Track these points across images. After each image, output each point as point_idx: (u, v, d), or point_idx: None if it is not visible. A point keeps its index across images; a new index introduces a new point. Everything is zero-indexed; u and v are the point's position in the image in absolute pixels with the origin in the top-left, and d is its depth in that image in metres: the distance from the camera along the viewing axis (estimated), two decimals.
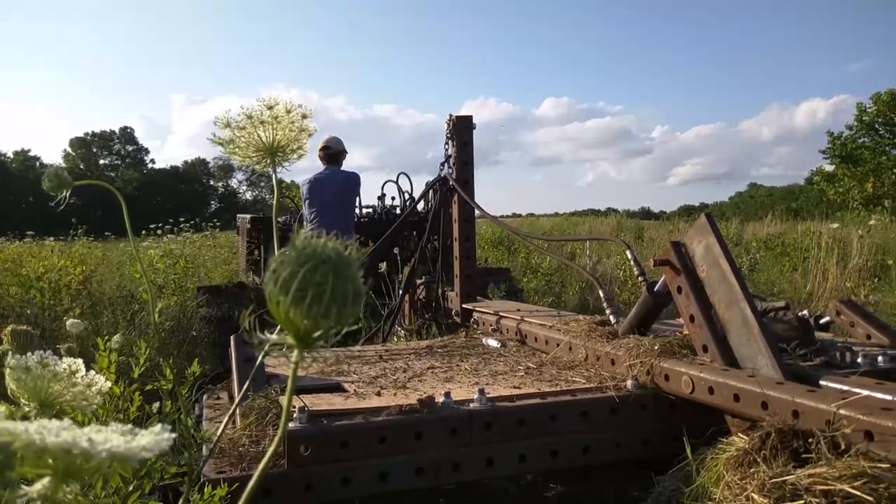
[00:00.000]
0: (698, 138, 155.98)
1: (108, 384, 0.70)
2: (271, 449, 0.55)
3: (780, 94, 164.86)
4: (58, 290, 3.90)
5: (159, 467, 1.14)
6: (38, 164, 58.15)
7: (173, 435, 0.42)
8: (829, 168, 29.31)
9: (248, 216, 6.14)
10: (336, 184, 4.94)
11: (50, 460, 0.40)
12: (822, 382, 1.44)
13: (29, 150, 60.33)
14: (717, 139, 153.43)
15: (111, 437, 0.39)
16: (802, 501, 1.15)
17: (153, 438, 0.40)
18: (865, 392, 1.32)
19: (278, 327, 0.47)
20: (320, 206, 4.90)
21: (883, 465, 1.12)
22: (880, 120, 28.26)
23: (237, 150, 0.93)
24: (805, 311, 2.43)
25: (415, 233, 5.05)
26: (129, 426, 0.41)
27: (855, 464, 1.15)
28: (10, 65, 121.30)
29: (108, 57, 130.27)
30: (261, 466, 0.52)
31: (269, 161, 0.94)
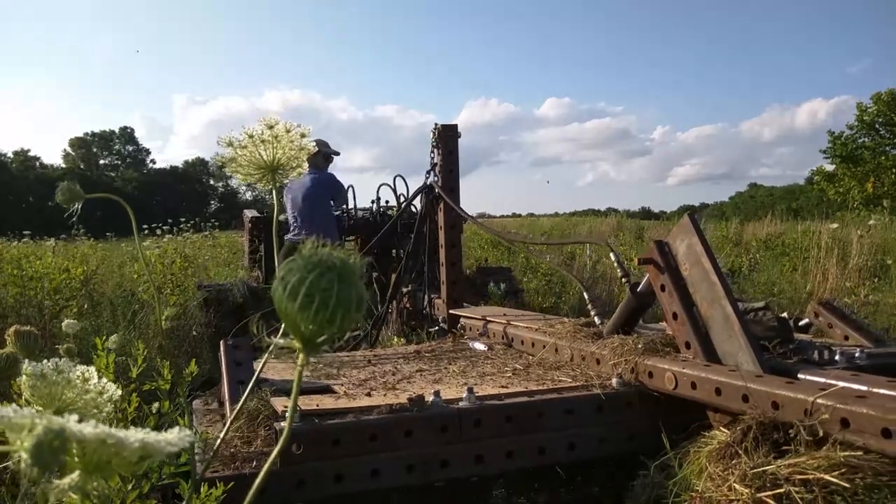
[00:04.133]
0: (698, 139, 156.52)
1: (119, 392, 0.72)
2: (278, 447, 0.56)
3: (782, 95, 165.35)
4: (58, 290, 3.91)
5: (156, 468, 1.16)
6: (37, 164, 58.20)
7: (193, 435, 0.45)
8: (830, 168, 29.36)
9: (253, 213, 6.18)
10: (303, 186, 4.93)
11: (76, 455, 0.44)
12: (800, 375, 1.48)
13: (29, 151, 60.40)
14: (717, 139, 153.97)
15: (139, 433, 0.43)
16: (782, 490, 1.19)
17: (177, 436, 0.44)
18: (842, 383, 1.36)
19: (281, 331, 0.48)
20: (291, 209, 4.98)
21: (858, 454, 1.16)
22: (881, 120, 28.33)
23: (239, 168, 0.96)
24: (785, 313, 2.48)
25: (411, 235, 5.09)
26: (149, 429, 0.45)
27: (832, 454, 1.19)
28: (11, 65, 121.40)
29: (109, 57, 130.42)
30: (267, 464, 0.54)
31: (270, 178, 0.97)
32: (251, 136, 0.94)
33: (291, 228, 5.02)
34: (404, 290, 3.63)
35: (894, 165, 27.62)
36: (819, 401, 1.25)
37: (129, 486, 1.10)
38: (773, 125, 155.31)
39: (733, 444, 1.33)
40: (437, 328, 3.25)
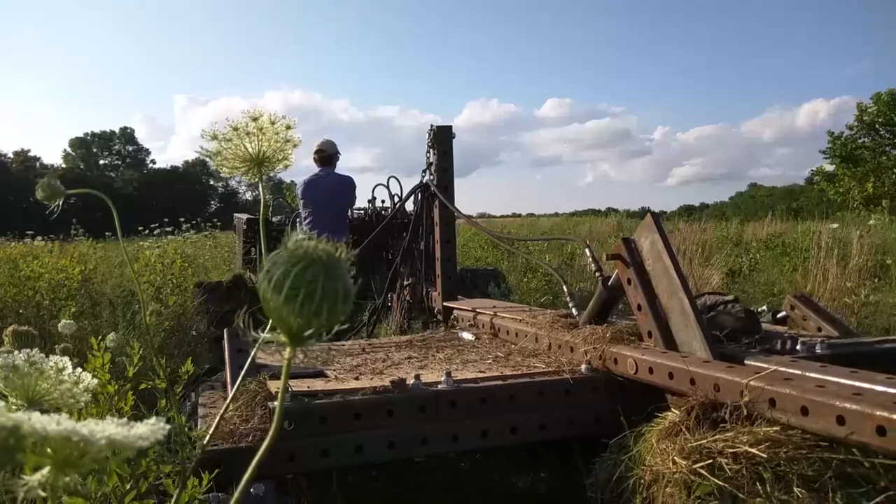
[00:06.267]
0: (699, 139, 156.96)
1: (95, 381, 0.70)
2: (273, 427, 0.59)
3: (782, 96, 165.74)
4: (55, 290, 3.96)
5: (155, 468, 1.16)
6: (38, 164, 58.34)
7: (168, 426, 0.44)
8: (830, 168, 29.43)
9: (245, 216, 6.36)
10: (330, 185, 5.15)
11: (49, 450, 0.42)
12: (746, 361, 1.62)
13: (29, 151, 60.61)
14: (717, 140, 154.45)
15: (108, 428, 0.42)
16: (711, 461, 1.33)
17: (149, 428, 0.43)
18: (781, 368, 1.50)
19: (270, 324, 0.48)
20: (314, 205, 5.13)
21: (779, 430, 1.31)
22: (881, 120, 28.37)
23: (224, 161, 0.95)
24: (765, 307, 2.62)
25: (405, 234, 5.24)
26: (125, 419, 0.43)
27: (758, 430, 1.33)
28: (11, 65, 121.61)
29: (109, 57, 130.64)
30: (267, 440, 0.56)
31: (255, 171, 0.96)
32: (236, 129, 0.94)
33: (307, 221, 5.14)
34: (405, 283, 3.78)
35: (894, 165, 27.71)
36: (752, 383, 1.39)
37: (127, 486, 1.09)
38: (773, 125, 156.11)
39: (679, 423, 1.47)
40: (433, 320, 3.40)
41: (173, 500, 1.10)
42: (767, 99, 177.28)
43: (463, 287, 4.84)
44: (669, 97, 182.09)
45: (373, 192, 5.78)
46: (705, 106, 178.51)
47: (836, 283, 5.54)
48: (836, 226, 7.84)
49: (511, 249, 6.97)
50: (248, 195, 67.90)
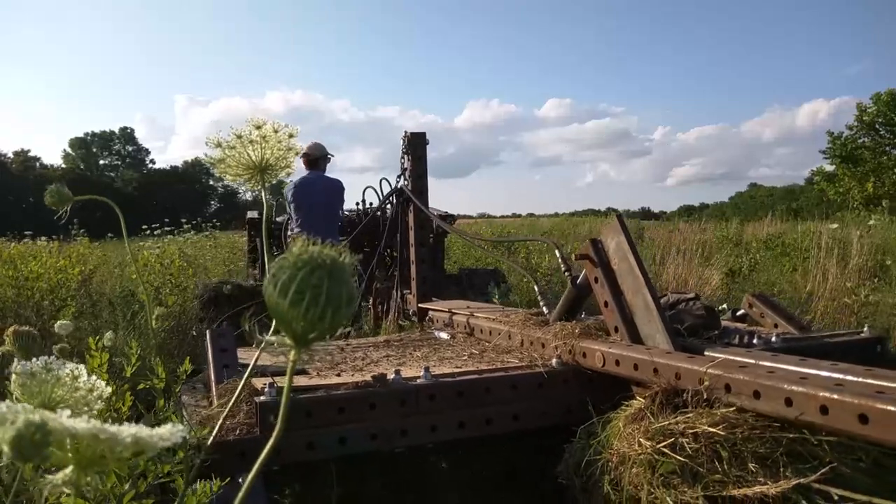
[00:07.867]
0: (699, 139, 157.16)
1: (109, 389, 0.72)
2: (274, 435, 0.57)
3: (783, 96, 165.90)
4: (56, 291, 3.97)
5: (154, 467, 1.18)
6: (37, 164, 58.48)
7: (186, 429, 0.47)
8: (830, 168, 29.49)
9: (254, 214, 6.47)
10: (323, 188, 5.18)
11: (69, 448, 0.44)
12: (705, 353, 1.72)
13: (29, 151, 60.73)
14: (717, 140, 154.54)
15: (131, 428, 0.44)
16: (673, 440, 1.43)
17: (169, 430, 0.45)
18: (736, 357, 1.60)
19: (273, 328, 0.51)
20: (308, 208, 5.15)
21: (734, 411, 1.41)
22: (881, 120, 28.41)
23: (228, 169, 0.99)
24: (724, 305, 2.73)
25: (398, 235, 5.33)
26: (139, 425, 0.46)
27: (715, 412, 1.44)
28: (11, 65, 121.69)
29: (109, 57, 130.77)
30: (272, 439, 0.54)
31: (258, 179, 0.99)
32: (239, 137, 0.95)
33: (297, 226, 5.15)
34: (379, 286, 3.86)
35: (894, 165, 27.77)
36: (709, 371, 1.50)
37: (126, 486, 1.10)
38: (773, 125, 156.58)
39: (643, 409, 1.58)
40: (408, 321, 3.48)
41: (178, 501, 1.12)
42: (767, 99, 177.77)
43: (461, 286, 4.94)
44: (669, 97, 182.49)
45: (363, 194, 5.88)
46: (705, 106, 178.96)
47: (835, 283, 5.53)
48: (835, 226, 7.85)
49: (488, 252, 7.04)
50: (248, 195, 67.73)
